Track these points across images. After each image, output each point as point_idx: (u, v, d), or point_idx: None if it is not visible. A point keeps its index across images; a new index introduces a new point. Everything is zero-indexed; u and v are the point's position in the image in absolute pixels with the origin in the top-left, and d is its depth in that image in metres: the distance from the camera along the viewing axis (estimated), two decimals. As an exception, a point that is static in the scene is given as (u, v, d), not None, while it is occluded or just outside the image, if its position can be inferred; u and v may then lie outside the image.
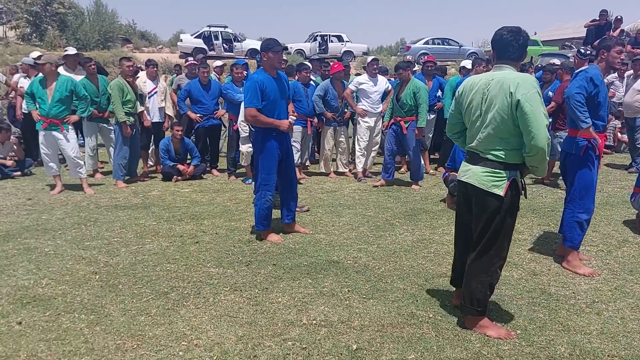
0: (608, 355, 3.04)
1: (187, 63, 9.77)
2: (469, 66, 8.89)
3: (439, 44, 25.52)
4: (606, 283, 4.08)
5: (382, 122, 7.78)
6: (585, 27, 12.80)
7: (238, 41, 25.22)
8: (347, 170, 8.33)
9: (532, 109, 2.88)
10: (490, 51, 3.31)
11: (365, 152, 7.90)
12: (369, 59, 8.53)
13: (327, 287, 3.95)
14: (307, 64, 8.17)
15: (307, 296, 3.79)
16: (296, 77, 7.99)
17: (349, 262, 4.49)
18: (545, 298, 3.81)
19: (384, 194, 6.95)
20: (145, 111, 7.91)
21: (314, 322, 3.40)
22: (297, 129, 7.60)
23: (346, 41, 26.60)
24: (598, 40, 4.42)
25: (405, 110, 7.15)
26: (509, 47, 3.08)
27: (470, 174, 3.18)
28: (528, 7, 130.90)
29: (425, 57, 9.94)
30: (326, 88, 7.89)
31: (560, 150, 5.59)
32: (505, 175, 3.07)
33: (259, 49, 5.10)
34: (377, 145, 8.42)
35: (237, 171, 8.15)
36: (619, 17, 12.90)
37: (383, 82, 8.19)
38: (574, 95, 4.19)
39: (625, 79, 10.74)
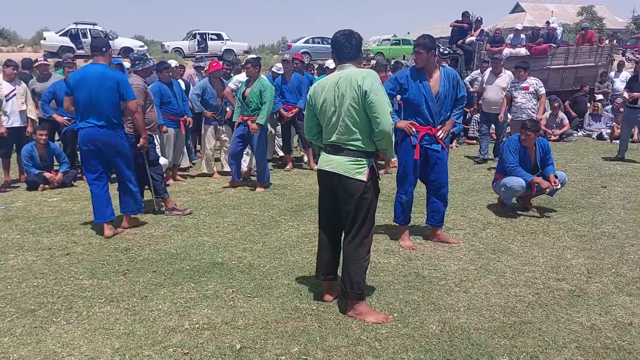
0: (474, 329, 3.30)
1: (37, 63, 9.03)
2: (332, 66, 9.10)
3: (319, 42, 26.03)
4: (472, 263, 4.42)
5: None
6: (450, 26, 13.70)
7: (109, 39, 23.95)
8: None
9: (377, 98, 3.21)
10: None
11: (250, 151, 7.86)
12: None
13: (211, 290, 3.89)
14: (169, 63, 7.92)
15: (190, 300, 3.71)
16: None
17: (233, 262, 4.46)
18: (420, 281, 4.05)
19: (269, 192, 6.98)
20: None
21: (197, 326, 3.34)
22: (170, 131, 7.36)
23: (226, 39, 26.32)
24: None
25: (252, 109, 6.94)
26: (345, 48, 3.39)
27: (335, 163, 3.39)
28: (403, 7, 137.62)
29: (306, 55, 10.12)
30: (204, 87, 7.74)
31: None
32: (365, 162, 3.37)
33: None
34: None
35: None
36: (479, 18, 13.98)
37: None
38: None
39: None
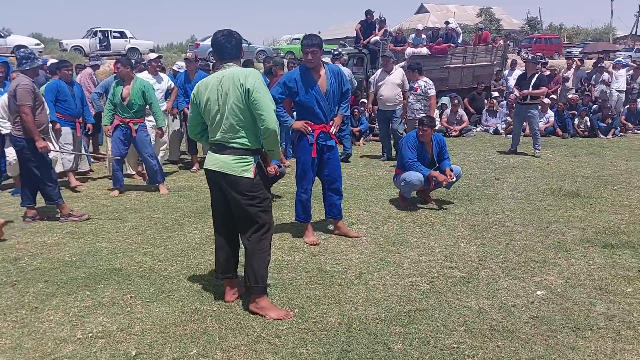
0: (371, 319, 3.42)
1: None
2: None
3: (227, 41, 25.62)
4: (373, 256, 4.57)
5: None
6: (356, 29, 13.97)
7: (1, 37, 22.37)
8: (134, 172, 7.94)
9: (260, 96, 3.28)
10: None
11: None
12: (151, 56, 8.29)
13: (107, 297, 3.76)
14: (69, 62, 7.54)
15: (84, 309, 3.56)
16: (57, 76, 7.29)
17: (132, 267, 4.32)
18: (322, 276, 4.13)
19: (174, 194, 6.82)
20: None
21: (90, 334, 3.21)
22: (66, 130, 7.01)
23: (130, 37, 25.35)
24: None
25: (135, 110, 6.67)
26: (225, 48, 3.45)
27: (220, 162, 3.42)
28: (314, 6, 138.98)
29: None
30: (106, 86, 7.43)
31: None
32: (251, 159, 3.42)
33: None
34: (166, 145, 8.23)
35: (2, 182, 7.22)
36: (382, 18, 14.43)
37: (166, 80, 8.02)
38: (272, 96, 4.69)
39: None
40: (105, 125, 6.81)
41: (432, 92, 8.51)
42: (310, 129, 4.76)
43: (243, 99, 3.30)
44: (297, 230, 5.19)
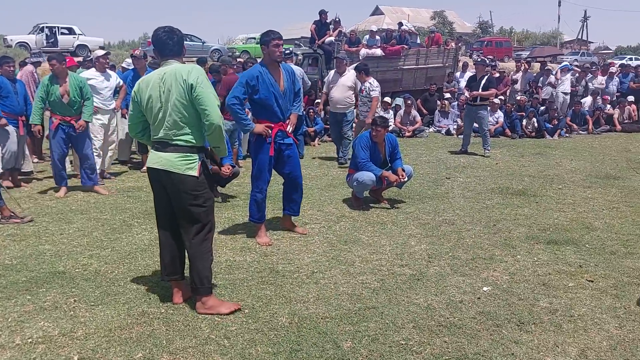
0: (322, 318, 3.41)
1: None
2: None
3: (185, 40, 25.26)
4: (325, 255, 4.57)
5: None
6: (311, 30, 14.00)
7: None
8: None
9: (203, 91, 3.25)
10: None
11: (101, 152, 7.42)
12: (99, 52, 8.05)
13: (50, 301, 3.62)
14: (10, 58, 7.25)
15: (24, 314, 3.42)
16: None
17: (77, 270, 4.18)
18: (273, 276, 4.10)
19: (123, 195, 6.65)
20: None
21: (30, 340, 3.09)
22: (10, 129, 6.73)
23: (79, 34, 24.59)
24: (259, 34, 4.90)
25: (76, 108, 6.48)
26: (167, 45, 3.40)
27: (164, 160, 3.36)
28: (270, 6, 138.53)
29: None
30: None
31: None
32: (195, 157, 3.37)
33: None
34: (114, 144, 8.01)
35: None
36: (337, 19, 14.50)
37: (114, 78, 7.81)
38: (230, 98, 4.65)
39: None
40: (36, 124, 6.45)
41: (374, 93, 8.37)
42: (270, 131, 4.72)
43: (186, 95, 3.26)
44: (250, 231, 5.14)
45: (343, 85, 8.71)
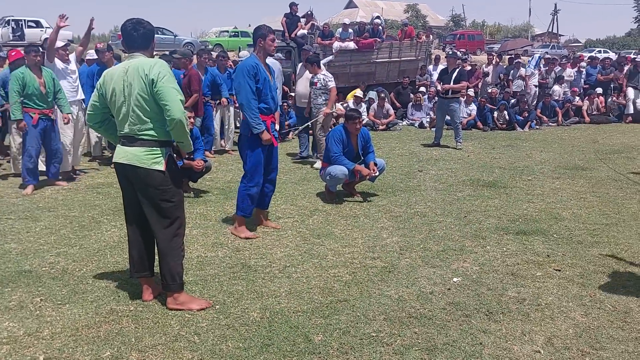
0: (293, 312, 3.41)
1: None
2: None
3: (156, 33, 24.88)
4: (297, 249, 4.57)
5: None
6: (281, 24, 13.88)
7: None
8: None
9: (164, 86, 3.20)
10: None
11: (72, 148, 7.24)
12: (59, 44, 7.86)
13: (15, 301, 3.54)
14: None
15: (-11, 315, 3.35)
16: None
17: (44, 269, 4.09)
18: (245, 271, 4.08)
19: (92, 191, 6.53)
20: None
21: (-6, 341, 3.02)
22: None
23: (46, 27, 23.98)
24: (254, 29, 4.88)
25: (50, 100, 6.51)
26: (132, 37, 3.35)
27: (130, 155, 3.31)
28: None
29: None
30: (4, 79, 7.01)
31: None
32: (161, 152, 3.33)
33: None
34: (84, 138, 7.87)
35: None
36: (310, 12, 14.44)
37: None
38: (248, 99, 4.61)
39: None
40: (18, 119, 6.30)
41: (332, 84, 7.97)
42: (271, 140, 4.75)
43: (147, 89, 3.22)
44: (221, 226, 5.12)
45: (306, 79, 8.43)
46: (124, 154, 3.34)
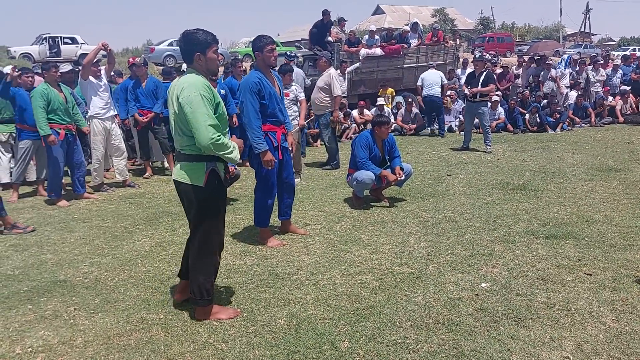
0: (320, 319, 3.42)
1: None
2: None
3: (182, 45, 25.30)
4: (324, 255, 4.58)
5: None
6: (309, 33, 13.98)
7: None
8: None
9: (191, 111, 3.14)
10: None
11: (102, 162, 7.41)
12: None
13: (50, 310, 3.66)
14: (30, 69, 7.36)
15: (25, 324, 3.46)
16: None
17: (78, 278, 4.22)
18: (273, 278, 4.12)
19: (125, 202, 6.69)
20: None
21: (30, 349, 3.12)
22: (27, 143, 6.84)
23: (82, 43, 24.73)
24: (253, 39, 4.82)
25: (72, 114, 6.78)
26: (182, 51, 3.34)
27: (176, 170, 3.38)
28: (273, 8, 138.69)
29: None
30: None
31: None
32: (203, 166, 3.30)
33: None
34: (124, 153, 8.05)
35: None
36: (341, 17, 14.54)
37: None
38: (252, 119, 4.60)
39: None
40: (48, 135, 6.40)
41: (302, 96, 7.74)
42: (274, 160, 4.71)
43: (179, 111, 3.21)
44: (249, 234, 5.17)
45: (316, 86, 8.28)
46: (175, 170, 3.39)
